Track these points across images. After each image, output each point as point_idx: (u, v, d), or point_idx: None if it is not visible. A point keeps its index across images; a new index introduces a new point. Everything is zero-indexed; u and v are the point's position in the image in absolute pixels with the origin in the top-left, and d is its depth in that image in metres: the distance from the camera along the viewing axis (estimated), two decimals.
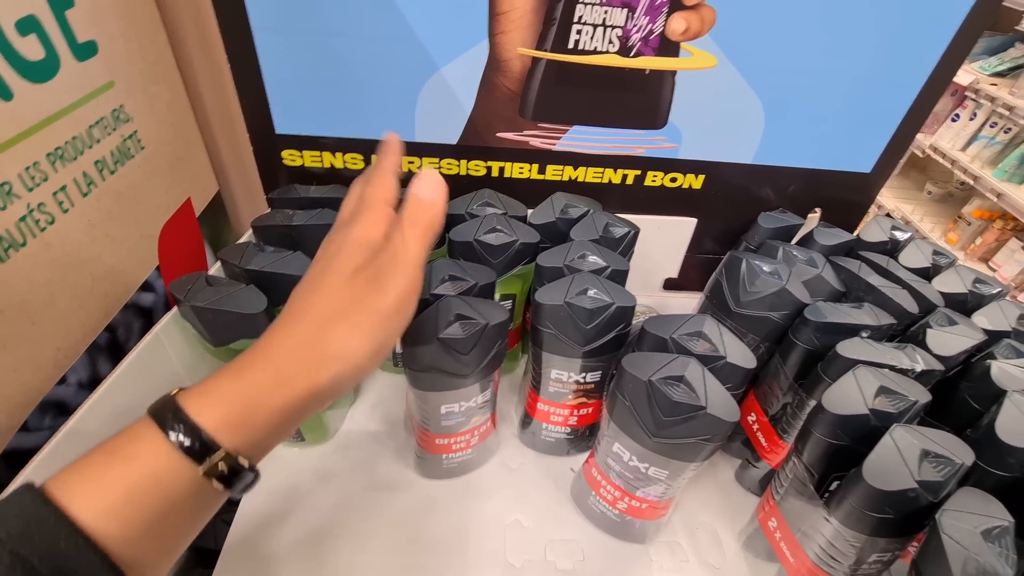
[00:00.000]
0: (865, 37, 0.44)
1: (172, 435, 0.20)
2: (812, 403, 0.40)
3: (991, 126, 1.80)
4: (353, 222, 0.27)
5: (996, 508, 0.30)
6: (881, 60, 0.45)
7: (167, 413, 0.21)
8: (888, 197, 2.16)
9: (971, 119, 1.85)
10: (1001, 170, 1.73)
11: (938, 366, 0.38)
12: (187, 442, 0.20)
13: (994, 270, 1.77)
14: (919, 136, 2.02)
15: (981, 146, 1.81)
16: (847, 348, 0.38)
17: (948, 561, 0.27)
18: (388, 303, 0.25)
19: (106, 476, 0.19)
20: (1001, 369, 0.38)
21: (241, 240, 0.45)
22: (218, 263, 0.42)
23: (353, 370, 0.24)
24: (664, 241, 0.57)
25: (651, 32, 0.43)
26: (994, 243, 1.79)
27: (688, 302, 0.50)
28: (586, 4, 0.41)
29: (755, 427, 0.47)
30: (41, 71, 0.31)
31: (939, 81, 0.46)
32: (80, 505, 0.18)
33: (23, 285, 0.30)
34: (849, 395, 0.34)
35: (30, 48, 0.30)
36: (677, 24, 0.42)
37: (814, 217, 0.56)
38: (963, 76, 1.82)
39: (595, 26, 0.42)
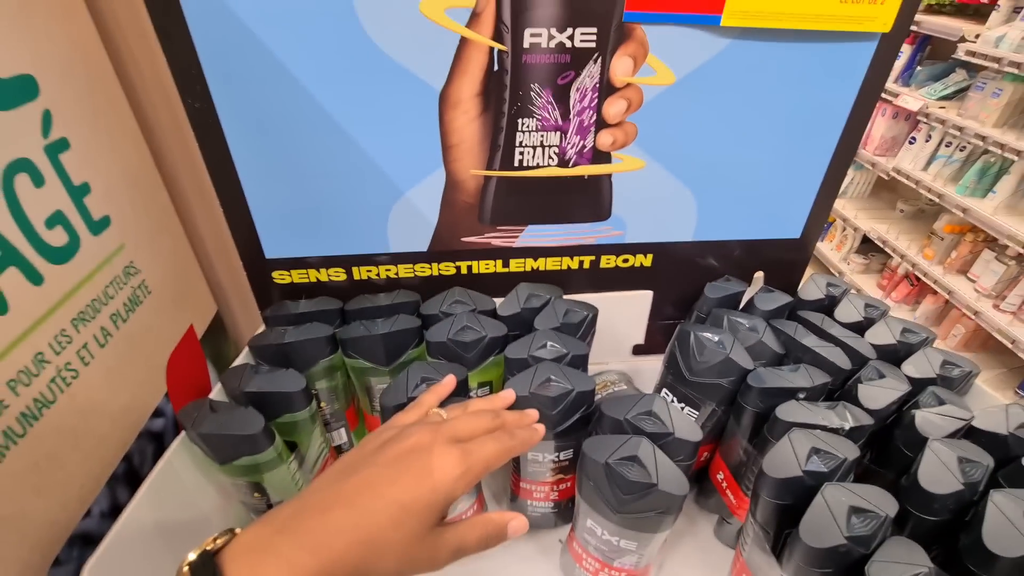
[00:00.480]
0: (770, 130, 0.50)
1: None
2: (760, 465, 0.44)
3: (947, 146, 1.89)
4: (462, 465, 0.31)
5: (919, 556, 0.33)
6: (788, 145, 0.52)
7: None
8: (863, 219, 2.23)
9: (927, 141, 1.95)
10: (962, 186, 1.81)
11: (868, 420, 0.42)
12: None
13: (973, 281, 1.81)
14: (882, 160, 2.12)
15: (940, 165, 1.89)
16: (784, 412, 0.42)
17: None
18: (430, 568, 0.29)
19: None
20: (923, 418, 0.42)
21: (239, 359, 0.51)
22: (219, 384, 0.47)
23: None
24: (627, 313, 0.63)
25: (584, 146, 0.50)
26: (969, 255, 1.84)
27: (655, 364, 0.55)
28: (524, 131, 0.48)
29: (724, 484, 0.51)
30: (65, 254, 0.37)
31: (842, 158, 0.53)
32: None
33: (53, 437, 0.35)
34: (785, 458, 0.39)
35: (56, 237, 0.36)
36: (604, 139, 0.49)
37: (759, 278, 0.62)
38: (912, 102, 1.93)
39: (535, 147, 0.49)
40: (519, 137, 0.48)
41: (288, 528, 0.25)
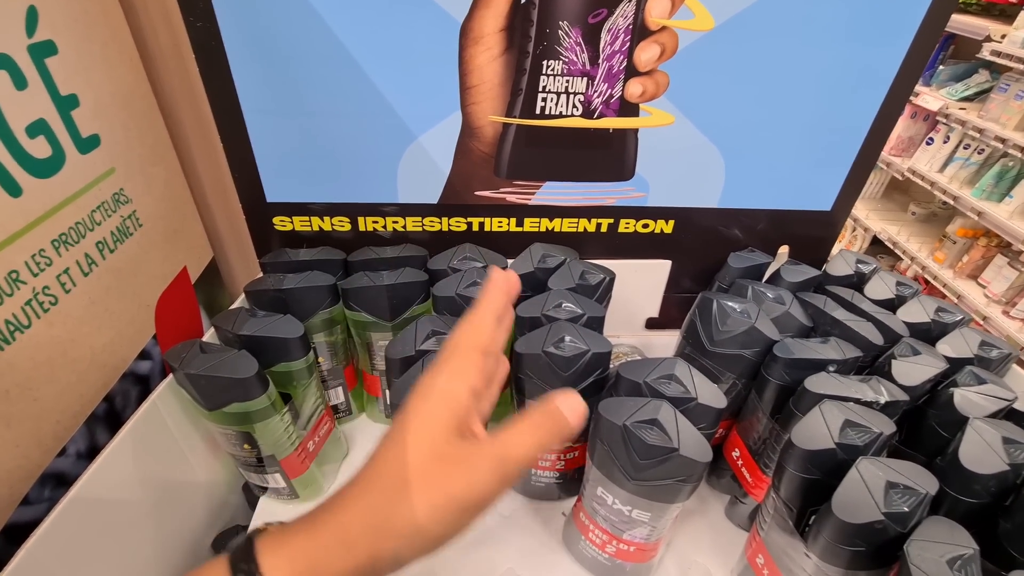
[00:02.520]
0: (808, 92, 0.47)
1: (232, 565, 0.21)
2: (787, 437, 0.41)
3: (965, 148, 1.86)
4: (439, 370, 0.25)
5: (962, 536, 0.31)
6: (826, 111, 0.48)
7: (242, 561, 0.21)
8: (874, 220, 2.20)
9: (944, 142, 1.91)
10: (979, 189, 1.78)
11: (903, 396, 0.39)
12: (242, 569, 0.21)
13: (984, 286, 1.79)
14: (897, 160, 2.08)
15: (957, 167, 1.86)
16: (814, 383, 0.40)
17: None
18: (470, 495, 0.22)
19: None
20: (963, 396, 0.39)
21: (234, 305, 0.48)
22: (212, 329, 0.44)
23: (417, 550, 0.22)
24: (642, 283, 0.60)
25: (611, 96, 0.46)
26: (980, 260, 1.81)
27: (670, 340, 0.52)
28: (549, 75, 0.45)
29: (739, 462, 0.48)
30: (48, 167, 0.34)
31: (883, 127, 0.49)
32: None
33: (26, 364, 0.32)
34: (816, 430, 0.36)
35: (38, 148, 0.33)
36: (634, 88, 0.46)
37: (783, 253, 0.59)
38: (932, 102, 1.89)
39: (559, 93, 0.46)
40: (543, 81, 0.45)
41: (315, 533, 0.23)
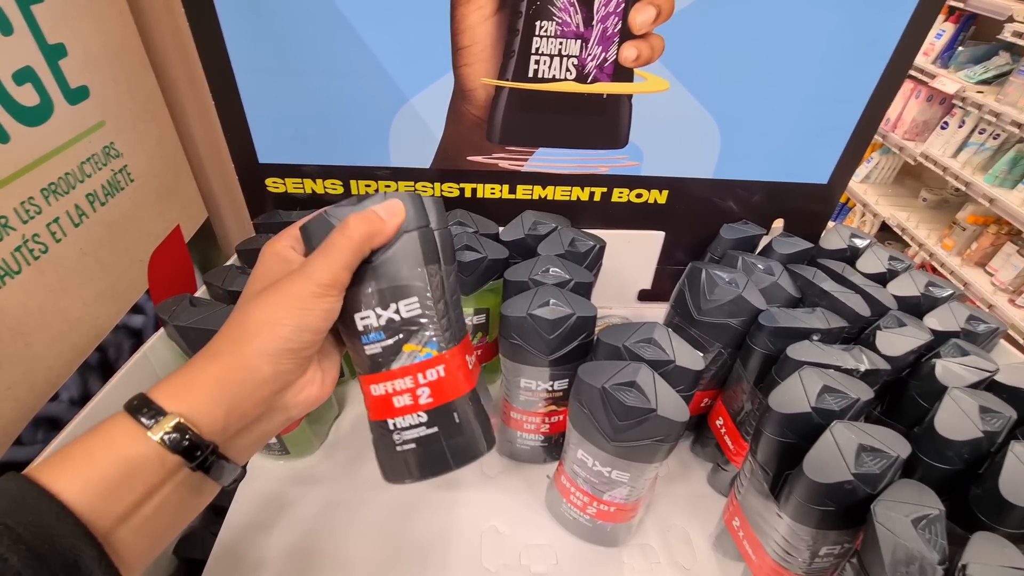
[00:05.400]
0: (807, 59, 0.46)
1: (132, 411, 0.23)
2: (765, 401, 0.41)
3: (980, 132, 1.82)
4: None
5: (929, 498, 0.31)
6: (825, 79, 0.47)
7: (133, 399, 0.23)
8: (884, 205, 2.17)
9: (960, 126, 1.87)
10: (992, 175, 1.74)
11: (884, 366, 0.39)
12: (143, 411, 0.23)
13: (991, 274, 1.76)
14: (911, 144, 2.04)
15: (971, 152, 1.82)
16: (796, 351, 0.40)
17: (880, 548, 0.29)
18: (304, 288, 0.26)
19: (82, 455, 0.22)
20: (945, 367, 0.39)
21: (227, 264, 0.48)
22: (204, 285, 0.45)
23: (275, 342, 0.26)
24: (635, 254, 0.60)
25: (605, 60, 0.46)
26: (990, 248, 1.79)
27: (662, 312, 0.52)
28: (542, 37, 0.44)
29: (722, 430, 0.49)
30: (36, 115, 0.34)
31: (882, 97, 0.48)
32: (60, 482, 0.20)
33: (18, 310, 0.33)
34: (794, 395, 0.36)
35: (26, 95, 0.33)
36: (628, 52, 0.45)
37: (778, 226, 0.58)
38: (949, 85, 1.85)
39: (552, 56, 0.45)
40: (536, 43, 0.45)
41: (192, 361, 0.26)
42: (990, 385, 0.39)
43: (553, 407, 0.47)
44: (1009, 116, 1.67)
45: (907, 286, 0.48)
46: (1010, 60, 1.82)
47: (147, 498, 0.22)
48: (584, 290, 0.46)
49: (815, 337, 0.42)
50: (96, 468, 0.21)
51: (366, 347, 0.30)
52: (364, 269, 0.29)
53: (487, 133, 0.50)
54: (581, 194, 0.55)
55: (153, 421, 0.22)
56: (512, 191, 0.54)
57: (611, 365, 0.37)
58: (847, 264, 0.50)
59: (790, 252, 0.51)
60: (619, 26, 0.44)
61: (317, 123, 0.49)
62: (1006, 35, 1.69)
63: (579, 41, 0.45)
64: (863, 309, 0.44)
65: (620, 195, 0.55)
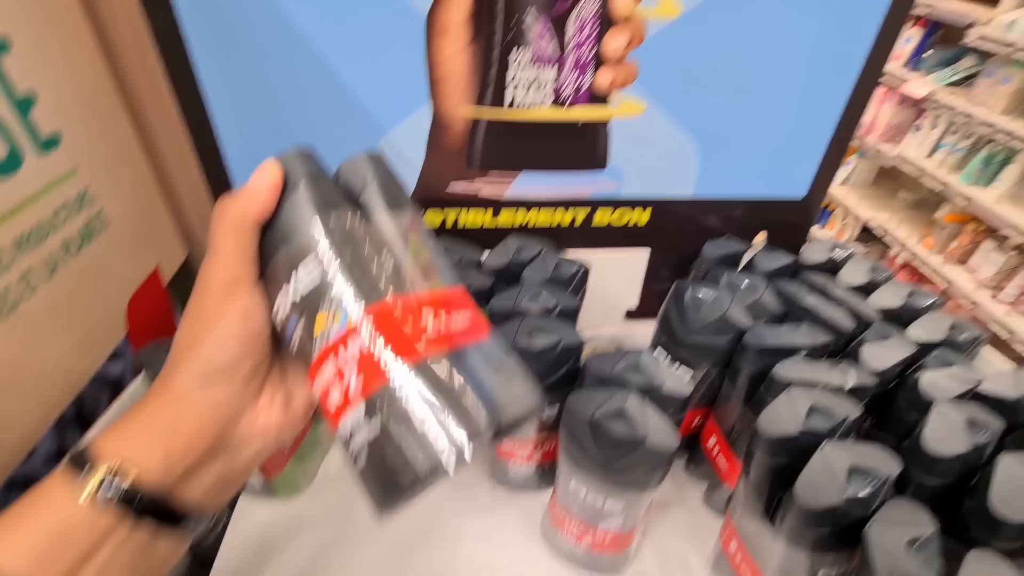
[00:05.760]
0: (779, 79, 0.47)
1: (69, 464, 0.21)
2: (755, 423, 0.41)
3: (952, 133, 1.86)
4: None
5: (922, 517, 0.31)
6: (797, 98, 0.48)
7: (71, 451, 0.21)
8: (864, 207, 2.21)
9: (932, 128, 1.91)
10: (967, 175, 1.78)
11: (870, 380, 0.39)
12: (77, 463, 0.21)
13: (973, 271, 1.79)
14: (886, 147, 2.08)
15: (945, 153, 1.87)
16: (783, 369, 0.40)
17: (875, 572, 0.28)
18: (205, 296, 0.23)
19: (17, 518, 0.20)
20: (930, 380, 0.39)
21: None
22: None
23: (197, 365, 0.23)
24: (621, 273, 0.60)
25: (581, 86, 0.46)
26: (969, 245, 1.82)
27: (651, 330, 0.52)
28: (517, 65, 0.45)
29: (715, 451, 0.48)
30: (5, 167, 0.33)
31: (853, 113, 0.49)
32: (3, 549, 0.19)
33: None
34: (783, 416, 0.36)
35: None
36: (603, 77, 0.46)
37: (761, 240, 0.59)
38: (920, 88, 1.89)
39: (528, 84, 0.46)
40: (511, 71, 0.45)
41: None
42: (976, 395, 0.40)
43: (545, 434, 0.46)
44: (979, 117, 1.71)
45: (889, 297, 0.48)
46: (977, 62, 1.87)
47: (86, 560, 0.20)
48: (570, 315, 0.46)
49: (802, 354, 0.42)
50: (30, 530, 0.19)
51: (292, 343, 0.23)
52: (262, 247, 0.24)
53: (467, 160, 0.50)
54: (564, 216, 0.55)
55: (86, 473, 0.20)
56: (496, 216, 0.54)
57: (599, 394, 0.37)
58: (830, 276, 0.51)
59: (773, 267, 0.51)
60: (593, 53, 0.45)
61: None
62: (971, 39, 1.74)
63: (554, 68, 0.45)
64: (847, 323, 0.45)
65: (603, 216, 0.55)
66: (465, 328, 0.24)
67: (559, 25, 0.43)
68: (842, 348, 0.45)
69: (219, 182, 0.49)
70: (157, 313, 0.49)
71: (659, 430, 0.35)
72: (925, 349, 0.43)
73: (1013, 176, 1.67)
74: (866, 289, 0.50)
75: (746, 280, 0.48)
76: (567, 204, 0.54)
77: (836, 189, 2.34)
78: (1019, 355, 1.62)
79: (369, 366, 0.21)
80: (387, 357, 0.21)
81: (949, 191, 1.81)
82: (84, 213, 0.40)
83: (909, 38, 2.02)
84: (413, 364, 0.21)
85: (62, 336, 0.38)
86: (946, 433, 0.35)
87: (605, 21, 0.43)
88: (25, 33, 0.35)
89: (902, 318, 0.47)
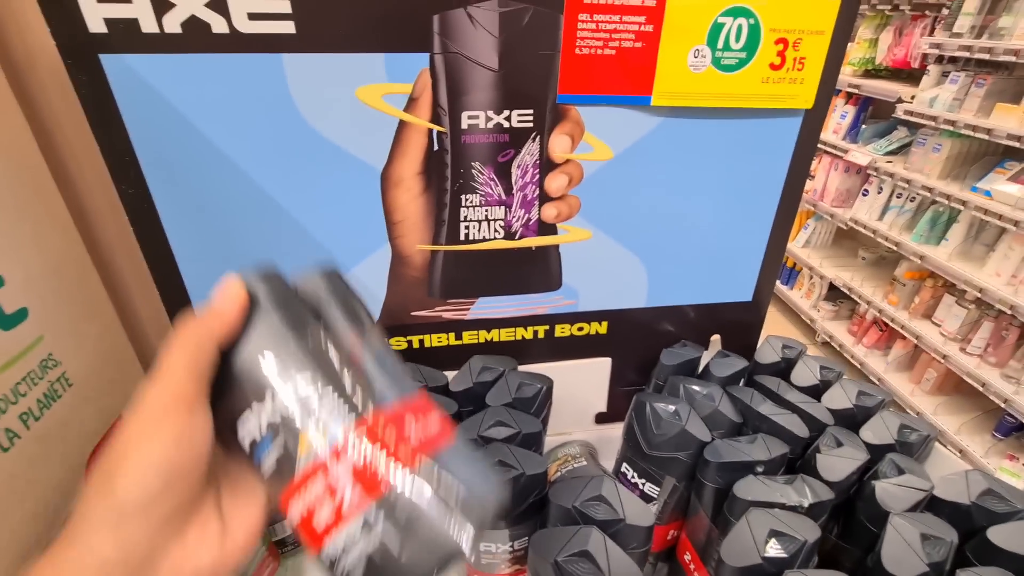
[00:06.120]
0: (709, 201, 0.51)
1: None
2: (718, 551, 0.41)
3: (898, 196, 1.99)
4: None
5: None
6: (729, 214, 0.53)
7: None
8: (828, 267, 2.30)
9: (879, 192, 2.04)
10: (917, 234, 1.89)
11: (827, 495, 0.40)
12: None
13: (938, 325, 1.85)
14: (839, 210, 2.20)
15: (894, 215, 1.98)
16: (743, 488, 0.41)
17: None
18: (125, 423, 0.21)
19: None
20: (884, 490, 0.41)
21: None
22: None
23: (113, 507, 0.20)
24: (586, 381, 0.61)
25: (529, 219, 0.50)
26: (931, 300, 1.89)
27: (620, 431, 0.53)
28: (468, 207, 0.48)
29: (691, 566, 0.48)
30: None
31: (784, 220, 0.54)
32: None
33: None
34: (743, 544, 0.36)
35: None
36: (549, 212, 0.50)
37: (716, 340, 0.61)
38: (861, 157, 2.04)
39: (480, 221, 0.49)
40: (464, 212, 0.48)
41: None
42: (930, 502, 0.41)
43: (517, 566, 0.46)
44: (919, 181, 1.83)
45: (839, 398, 0.50)
46: (908, 133, 2.04)
47: None
48: (533, 440, 0.46)
49: (759, 469, 0.43)
50: None
51: (262, 466, 0.23)
52: (222, 368, 0.23)
53: (428, 290, 0.52)
54: (525, 333, 0.57)
55: None
56: (459, 338, 0.56)
57: (562, 532, 0.37)
58: (781, 379, 0.53)
59: (728, 374, 0.53)
60: (537, 192, 0.49)
61: None
62: (899, 113, 1.90)
63: (503, 207, 0.49)
64: (801, 430, 0.46)
65: (563, 330, 0.57)
66: (439, 430, 0.25)
67: (504, 172, 0.47)
68: (800, 454, 0.47)
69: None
70: None
71: (623, 570, 0.35)
72: (877, 452, 0.44)
73: (960, 234, 1.77)
74: (818, 390, 0.52)
75: (703, 390, 0.50)
76: (526, 322, 0.56)
77: (799, 250, 2.44)
78: (995, 405, 1.64)
79: (366, 478, 0.21)
80: (385, 467, 0.22)
81: (904, 249, 1.90)
82: (46, 379, 0.41)
83: (844, 114, 2.20)
84: (410, 471, 0.22)
85: (16, 509, 0.37)
86: (903, 552, 0.35)
87: (545, 165, 0.47)
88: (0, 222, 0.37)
89: (854, 418, 0.49)
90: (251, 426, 0.23)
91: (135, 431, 0.21)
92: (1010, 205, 1.55)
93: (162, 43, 0.38)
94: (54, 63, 0.38)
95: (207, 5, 0.38)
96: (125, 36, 0.38)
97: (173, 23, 0.38)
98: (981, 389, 1.64)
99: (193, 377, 0.21)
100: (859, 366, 2.12)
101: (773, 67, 0.45)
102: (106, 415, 0.47)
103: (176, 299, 0.48)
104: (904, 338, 1.94)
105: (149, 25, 0.38)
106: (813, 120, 0.49)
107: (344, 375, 0.24)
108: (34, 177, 0.41)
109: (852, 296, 2.15)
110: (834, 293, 2.32)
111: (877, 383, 2.03)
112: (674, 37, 0.43)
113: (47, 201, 0.43)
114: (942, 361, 1.77)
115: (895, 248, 1.94)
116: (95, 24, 0.37)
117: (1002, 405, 1.59)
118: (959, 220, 1.77)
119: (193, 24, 0.38)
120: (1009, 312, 1.55)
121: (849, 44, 2.27)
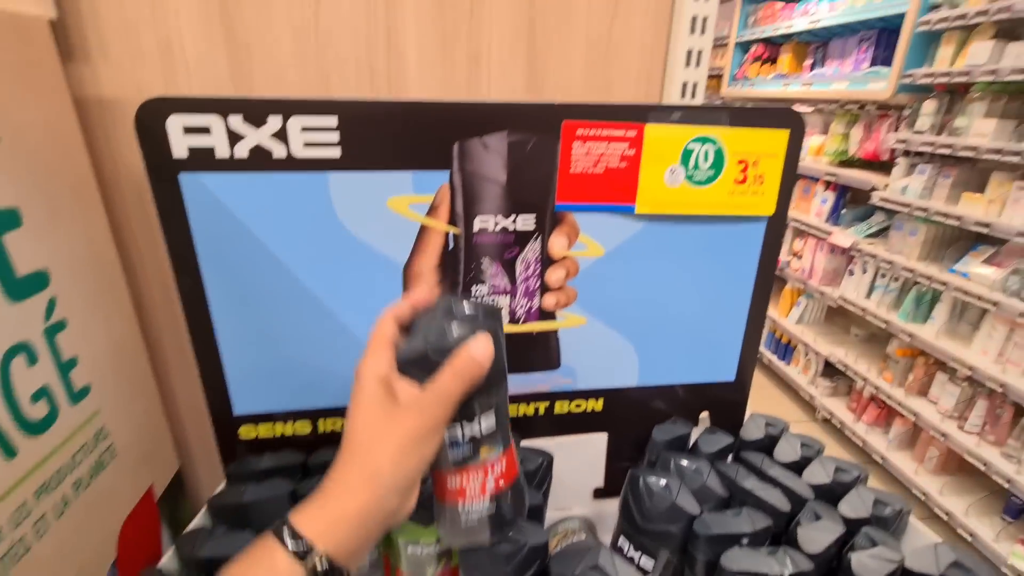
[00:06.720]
0: (690, 293, 0.58)
1: (287, 543, 0.30)
2: None
3: (882, 276, 2.08)
4: (363, 358, 0.36)
5: None
6: (708, 304, 0.59)
7: (283, 528, 0.31)
8: (822, 344, 2.35)
9: (863, 272, 2.14)
10: (904, 313, 1.95)
11: (808, 566, 0.43)
12: (297, 548, 0.30)
13: (934, 403, 1.87)
14: (828, 289, 2.29)
15: (880, 294, 2.06)
16: (729, 560, 0.44)
17: None
18: (423, 427, 0.33)
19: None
20: (859, 561, 0.44)
21: (197, 520, 0.50)
22: (171, 550, 0.47)
23: (404, 481, 0.33)
24: (584, 456, 0.65)
25: (531, 307, 0.56)
26: (924, 377, 1.92)
27: (616, 507, 0.56)
28: (478, 296, 0.55)
29: None
30: (43, 425, 0.39)
31: (758, 309, 0.60)
32: None
33: None
34: None
35: (38, 411, 0.39)
36: (548, 301, 0.56)
37: (704, 417, 0.66)
38: (844, 239, 2.16)
39: None
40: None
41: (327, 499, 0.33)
42: (902, 574, 0.44)
43: None
44: (900, 263, 1.93)
45: (818, 474, 0.54)
46: (886, 217, 2.17)
47: None
48: (534, 513, 0.50)
49: (744, 541, 0.46)
50: None
51: (451, 453, 0.38)
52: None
53: None
54: (527, 409, 0.62)
55: (302, 550, 0.30)
56: None
57: None
58: (765, 455, 0.57)
59: (715, 449, 0.57)
60: (538, 284, 0.55)
61: (293, 382, 0.56)
62: (875, 200, 2.04)
63: (508, 296, 0.56)
64: (783, 504, 0.50)
65: (562, 407, 0.62)
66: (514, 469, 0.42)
67: (509, 266, 0.54)
68: (783, 528, 0.50)
69: (218, 400, 0.55)
70: (146, 533, 0.52)
71: None
72: (854, 526, 0.48)
73: (944, 313, 1.84)
74: (798, 465, 0.56)
75: (692, 465, 0.54)
76: (529, 398, 0.61)
77: (793, 327, 2.50)
78: (998, 485, 1.63)
79: (501, 477, 0.40)
80: (511, 472, 0.41)
81: (893, 328, 1.96)
82: (98, 449, 0.45)
83: (825, 199, 2.35)
84: (516, 475, 0.42)
85: (60, 572, 0.41)
86: None
87: (545, 261, 0.55)
88: (79, 313, 0.43)
89: (833, 492, 0.53)
90: (456, 433, 0.37)
91: (423, 432, 0.34)
92: (987, 287, 1.63)
93: (230, 165, 0.47)
94: (136, 176, 0.47)
95: (272, 136, 0.46)
96: (201, 159, 0.46)
97: (243, 150, 0.46)
98: (984, 469, 1.64)
99: (457, 406, 0.35)
100: (860, 444, 2.11)
101: (737, 182, 0.54)
102: (139, 484, 0.51)
103: (214, 381, 0.54)
104: (902, 417, 1.95)
105: (223, 152, 0.46)
106: (776, 223, 0.57)
107: (506, 412, 0.40)
108: (110, 271, 0.48)
109: (848, 373, 2.18)
110: (831, 369, 2.35)
111: (880, 462, 2.01)
112: (653, 159, 0.52)
113: (116, 290, 0.49)
114: (942, 440, 1.78)
115: (884, 325, 2.00)
116: (179, 151, 0.46)
117: (1006, 486, 1.58)
118: (942, 300, 1.85)
119: (258, 150, 0.47)
120: (1000, 391, 1.58)
121: (823, 137, 2.46)
